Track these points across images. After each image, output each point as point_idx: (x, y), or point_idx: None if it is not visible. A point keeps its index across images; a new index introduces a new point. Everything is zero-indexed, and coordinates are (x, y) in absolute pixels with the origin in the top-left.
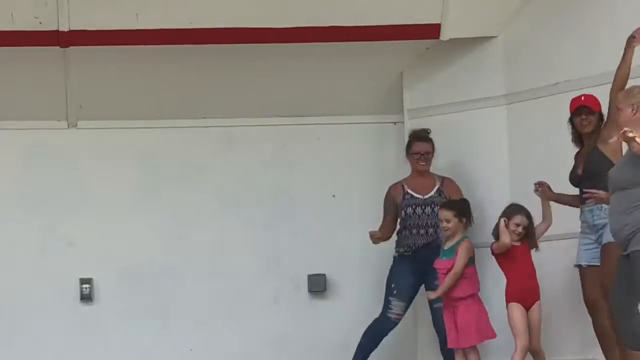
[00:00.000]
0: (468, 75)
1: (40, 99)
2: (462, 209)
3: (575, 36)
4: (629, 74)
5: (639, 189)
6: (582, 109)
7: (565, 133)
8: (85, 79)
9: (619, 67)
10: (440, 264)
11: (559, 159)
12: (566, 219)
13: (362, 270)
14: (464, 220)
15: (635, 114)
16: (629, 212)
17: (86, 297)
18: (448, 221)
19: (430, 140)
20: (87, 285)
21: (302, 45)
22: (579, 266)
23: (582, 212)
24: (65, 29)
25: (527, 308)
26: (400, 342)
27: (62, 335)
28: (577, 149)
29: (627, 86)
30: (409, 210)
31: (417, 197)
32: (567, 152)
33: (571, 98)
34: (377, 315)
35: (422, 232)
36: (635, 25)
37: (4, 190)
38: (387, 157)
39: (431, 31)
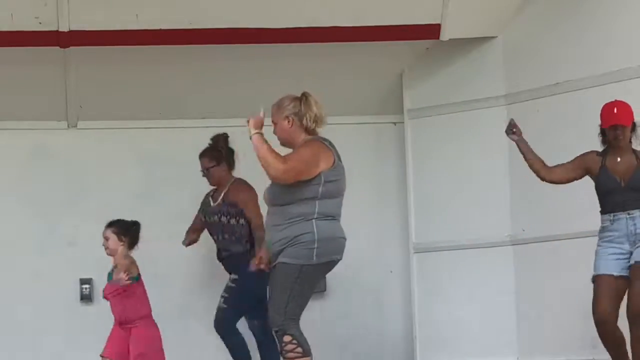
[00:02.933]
0: (468, 75)
1: (40, 99)
2: (125, 228)
3: (575, 36)
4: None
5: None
6: (616, 127)
7: (565, 133)
8: (85, 79)
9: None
10: (107, 288)
11: (559, 159)
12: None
13: (362, 270)
14: (125, 240)
15: (291, 126)
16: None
17: (86, 297)
18: (107, 239)
19: (206, 155)
20: (87, 285)
21: (302, 45)
22: (601, 276)
23: (613, 219)
24: (65, 29)
25: None
26: (400, 342)
27: (62, 335)
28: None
29: None
30: (203, 217)
31: (210, 205)
32: (567, 152)
33: (570, 98)
34: (376, 314)
35: (215, 240)
36: (635, 24)
37: (4, 190)
38: (387, 158)
39: (431, 31)
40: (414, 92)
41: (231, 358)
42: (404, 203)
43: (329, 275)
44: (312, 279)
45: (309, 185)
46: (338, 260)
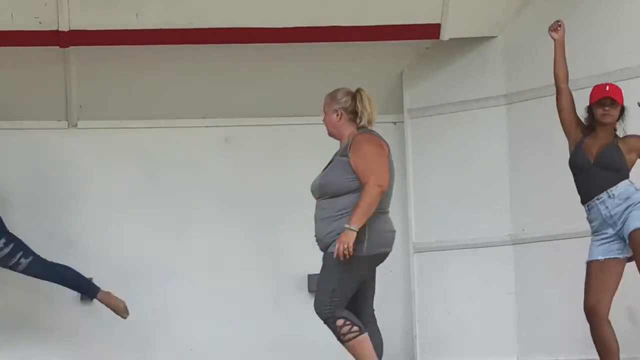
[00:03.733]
0: (468, 75)
1: (40, 99)
2: None
3: (575, 36)
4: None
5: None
6: (606, 100)
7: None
8: (85, 79)
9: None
10: None
11: (559, 159)
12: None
13: None
14: None
15: (340, 119)
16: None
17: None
18: None
19: None
20: None
21: (302, 45)
22: (590, 263)
23: (589, 209)
24: (65, 29)
25: None
26: (400, 342)
27: (62, 335)
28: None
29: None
30: None
31: None
32: (567, 152)
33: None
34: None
35: None
36: (635, 24)
37: (4, 190)
38: None
39: (431, 31)
40: (414, 92)
41: None
42: (404, 203)
43: None
44: (359, 270)
45: (357, 178)
46: (388, 253)
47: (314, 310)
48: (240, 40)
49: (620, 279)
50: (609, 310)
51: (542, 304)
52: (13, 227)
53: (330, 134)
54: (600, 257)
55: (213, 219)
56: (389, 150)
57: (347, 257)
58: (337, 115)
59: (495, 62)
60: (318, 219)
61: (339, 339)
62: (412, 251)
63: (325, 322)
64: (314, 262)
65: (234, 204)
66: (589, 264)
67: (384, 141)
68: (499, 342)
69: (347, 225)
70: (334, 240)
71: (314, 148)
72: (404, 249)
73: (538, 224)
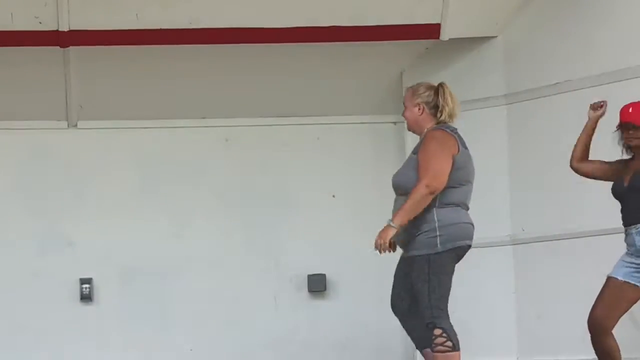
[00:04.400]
0: (468, 75)
1: (40, 99)
2: None
3: (575, 36)
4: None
5: None
6: (627, 125)
7: (565, 133)
8: (85, 79)
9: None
10: None
11: (559, 159)
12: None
13: (362, 270)
14: None
15: (421, 113)
16: None
17: (86, 297)
18: None
19: None
20: (87, 285)
21: (301, 45)
22: (609, 278)
23: (627, 234)
24: (65, 29)
25: None
26: (400, 342)
27: (62, 335)
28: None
29: None
30: None
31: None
32: (567, 152)
33: (570, 98)
34: (376, 314)
35: None
36: (635, 24)
37: (4, 190)
38: (387, 157)
39: (431, 31)
40: None
41: None
42: None
43: (329, 275)
44: (443, 266)
45: None
46: (467, 246)
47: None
48: (240, 40)
49: (632, 305)
50: (614, 326)
51: (542, 304)
52: (13, 227)
53: (410, 129)
54: (619, 278)
55: (213, 219)
56: (458, 146)
57: (383, 251)
58: (419, 109)
59: (495, 62)
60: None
61: (430, 345)
62: None
63: (426, 326)
64: (314, 262)
65: (234, 204)
66: (609, 278)
67: (458, 138)
68: (499, 342)
69: (389, 220)
70: (409, 242)
71: (314, 148)
72: None
73: (538, 224)
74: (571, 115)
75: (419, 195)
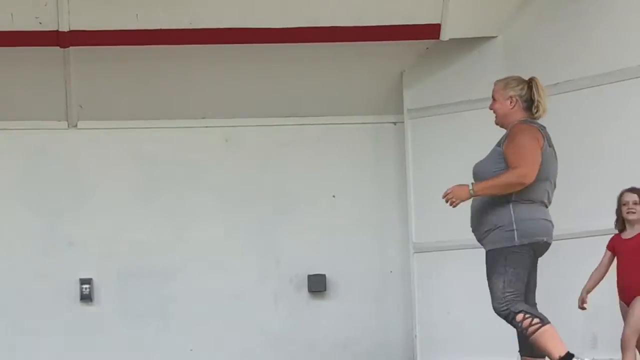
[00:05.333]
0: (468, 75)
1: (40, 99)
2: None
3: (575, 36)
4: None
5: None
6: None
7: (565, 133)
8: (85, 79)
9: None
10: None
11: (558, 159)
12: None
13: (362, 270)
14: None
15: (513, 106)
16: None
17: (86, 297)
18: None
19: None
20: (87, 285)
21: (302, 45)
22: None
23: None
24: (65, 29)
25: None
26: (400, 342)
27: (62, 335)
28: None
29: None
30: None
31: None
32: (566, 152)
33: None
34: (376, 314)
35: None
36: (634, 24)
37: (4, 190)
38: (387, 157)
39: (431, 31)
40: (414, 92)
41: None
42: (404, 203)
43: (329, 275)
44: (520, 261)
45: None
46: (546, 242)
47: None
48: (240, 40)
49: None
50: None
51: (542, 304)
52: (13, 227)
53: (498, 122)
54: None
55: (213, 219)
56: (543, 142)
57: (450, 203)
58: (511, 102)
59: (495, 62)
60: (473, 208)
61: (522, 333)
62: (412, 251)
63: (506, 321)
64: (314, 262)
65: (234, 204)
66: None
67: (543, 133)
68: (499, 342)
69: (471, 184)
70: (487, 236)
71: (314, 148)
72: (404, 249)
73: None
74: (572, 114)
75: (510, 180)
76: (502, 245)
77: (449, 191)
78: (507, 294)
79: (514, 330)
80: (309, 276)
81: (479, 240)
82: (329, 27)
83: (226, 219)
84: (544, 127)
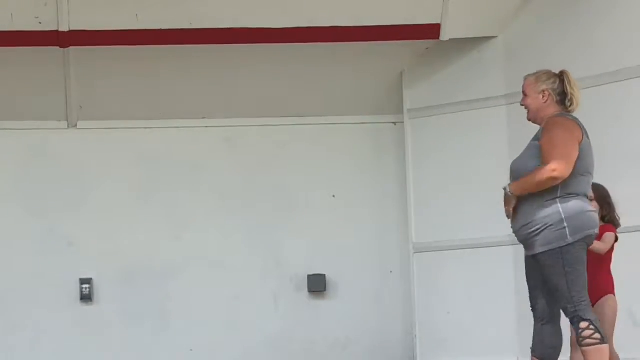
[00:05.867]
0: (468, 75)
1: (40, 99)
2: None
3: (575, 36)
4: None
5: None
6: None
7: None
8: (85, 79)
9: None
10: None
11: None
12: None
13: (362, 270)
14: None
15: (546, 101)
16: None
17: (86, 297)
18: None
19: None
20: (87, 285)
21: (302, 45)
22: None
23: None
24: (65, 29)
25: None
26: (400, 342)
27: (62, 335)
28: None
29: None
30: None
31: None
32: None
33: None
34: (376, 314)
35: None
36: (635, 24)
37: (4, 190)
38: (387, 157)
39: (431, 31)
40: (414, 92)
41: None
42: (404, 203)
43: (328, 275)
44: (577, 257)
45: None
46: (594, 235)
47: None
48: (240, 40)
49: None
50: None
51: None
52: (13, 227)
53: (531, 118)
54: None
55: (213, 219)
56: (583, 135)
57: (508, 217)
58: (544, 96)
59: (495, 62)
60: (515, 210)
61: (577, 339)
62: (412, 251)
63: (570, 322)
64: (314, 262)
65: (234, 204)
66: None
67: (580, 126)
68: (499, 342)
69: (507, 187)
70: (532, 236)
71: (314, 148)
72: (404, 249)
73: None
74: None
75: (543, 178)
76: (556, 246)
77: (505, 210)
78: (575, 296)
79: (514, 330)
80: (309, 276)
81: (523, 242)
82: (329, 27)
83: (226, 219)
84: (578, 119)
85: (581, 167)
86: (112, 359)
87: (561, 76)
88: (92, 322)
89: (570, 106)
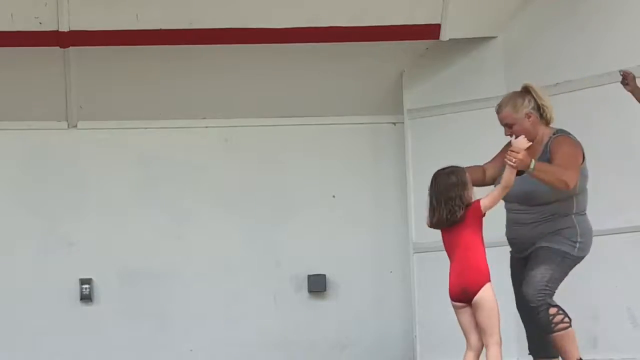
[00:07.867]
0: (468, 76)
1: (40, 99)
2: None
3: (575, 36)
4: None
5: None
6: None
7: None
8: (85, 79)
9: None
10: None
11: None
12: None
13: (362, 270)
14: None
15: (532, 122)
16: None
17: (86, 297)
18: None
19: None
20: (87, 285)
21: (301, 45)
22: None
23: None
24: (65, 29)
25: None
26: (400, 342)
27: (62, 335)
28: None
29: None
30: None
31: None
32: None
33: (570, 98)
34: (376, 314)
35: None
36: (635, 24)
37: (4, 190)
38: (387, 158)
39: (431, 31)
40: (414, 92)
41: None
42: (404, 203)
43: (329, 275)
44: (570, 267)
45: None
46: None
47: (526, 297)
48: (240, 40)
49: None
50: None
51: None
52: (13, 227)
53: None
54: None
55: (213, 219)
56: (583, 156)
57: (512, 162)
58: (529, 117)
59: (495, 62)
60: (520, 222)
61: (546, 328)
62: (412, 251)
63: (535, 310)
64: (314, 262)
65: (234, 204)
66: None
67: (582, 147)
68: None
69: (533, 162)
70: (543, 238)
71: (313, 148)
72: (404, 249)
73: None
74: (571, 115)
75: (562, 178)
76: (563, 249)
77: (517, 155)
78: (547, 289)
79: (514, 330)
80: (309, 276)
81: (525, 241)
82: (329, 27)
83: (226, 219)
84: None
85: (584, 184)
86: (112, 359)
87: (529, 92)
88: (92, 322)
89: (545, 116)
